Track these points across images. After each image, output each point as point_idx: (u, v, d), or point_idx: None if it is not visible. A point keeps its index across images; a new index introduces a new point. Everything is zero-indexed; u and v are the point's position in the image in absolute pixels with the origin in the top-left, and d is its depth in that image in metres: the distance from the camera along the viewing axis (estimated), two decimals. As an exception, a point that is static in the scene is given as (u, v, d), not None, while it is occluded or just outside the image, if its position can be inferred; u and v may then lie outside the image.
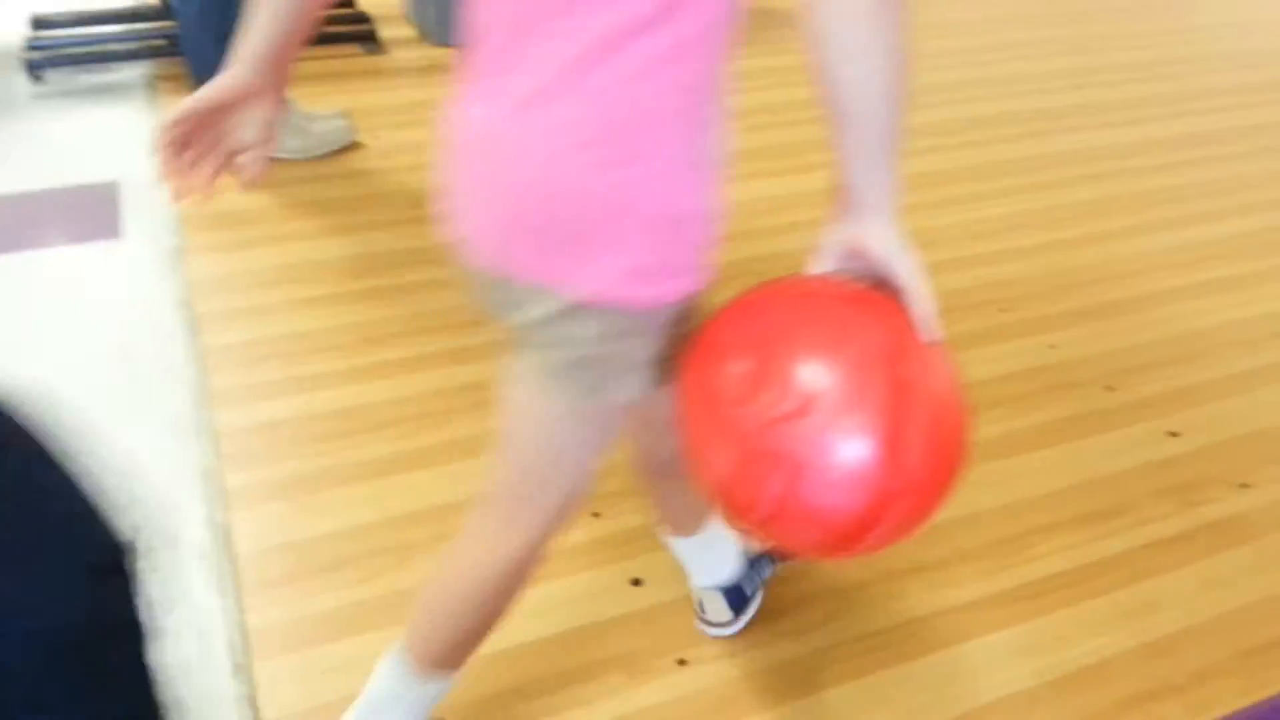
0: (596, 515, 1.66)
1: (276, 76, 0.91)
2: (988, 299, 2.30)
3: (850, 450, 0.76)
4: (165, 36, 3.07)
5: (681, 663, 1.42)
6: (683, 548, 1.38)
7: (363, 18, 3.46)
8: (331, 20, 3.48)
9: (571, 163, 0.80)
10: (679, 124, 0.82)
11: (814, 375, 0.77)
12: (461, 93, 0.88)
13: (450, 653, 1.10)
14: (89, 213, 2.41)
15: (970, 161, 2.96)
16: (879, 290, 0.83)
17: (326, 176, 2.63)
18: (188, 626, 1.42)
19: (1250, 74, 3.88)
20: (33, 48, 3.03)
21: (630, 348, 0.90)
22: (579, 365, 0.90)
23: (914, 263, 0.82)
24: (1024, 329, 2.22)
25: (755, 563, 1.45)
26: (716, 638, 1.47)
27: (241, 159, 0.92)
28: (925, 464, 0.78)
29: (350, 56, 3.37)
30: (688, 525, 1.33)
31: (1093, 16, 4.44)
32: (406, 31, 3.59)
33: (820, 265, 0.86)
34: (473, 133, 0.87)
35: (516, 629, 1.44)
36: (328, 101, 2.92)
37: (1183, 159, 3.09)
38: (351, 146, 2.77)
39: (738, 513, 0.84)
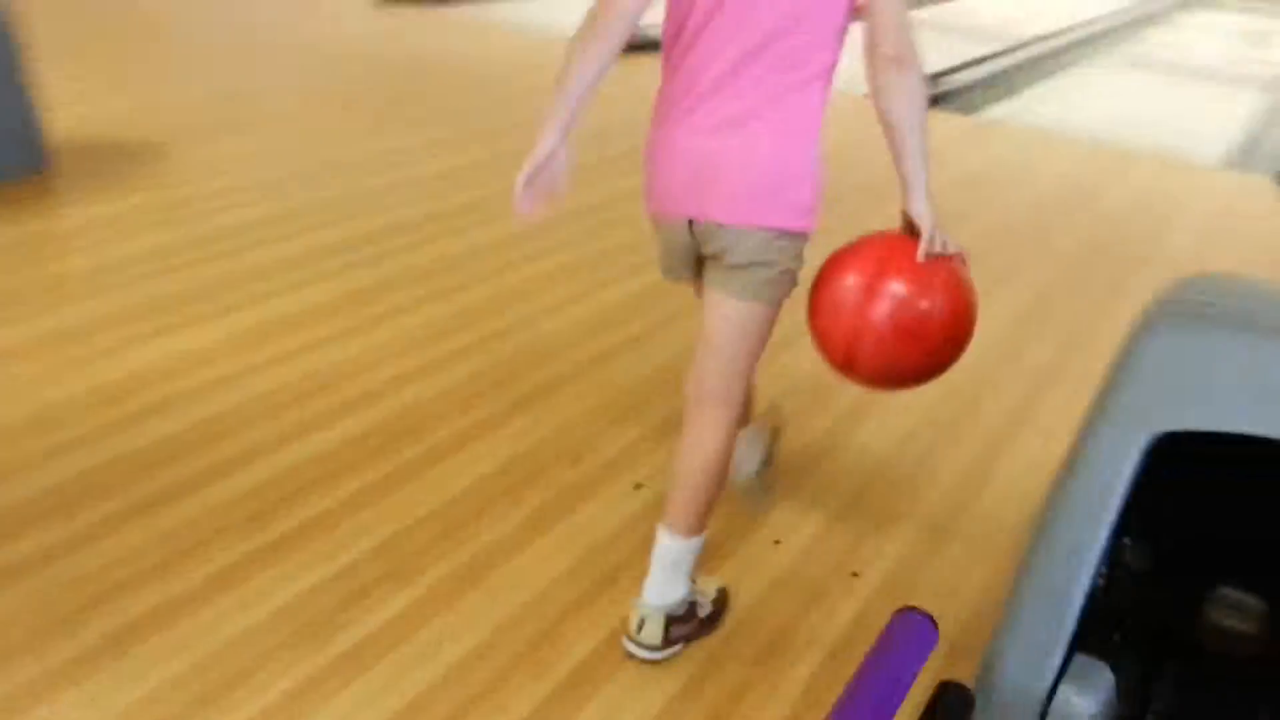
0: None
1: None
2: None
3: (866, 303, 1.45)
4: None
5: None
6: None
7: None
8: None
9: (778, 162, 1.48)
10: (815, 131, 1.49)
11: (859, 275, 1.47)
12: (667, 124, 1.53)
13: (703, 518, 1.63)
14: None
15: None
16: (911, 236, 1.47)
17: None
18: None
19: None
20: None
21: (794, 262, 1.53)
22: (772, 277, 1.52)
23: (930, 217, 1.45)
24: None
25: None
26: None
27: (553, 190, 1.52)
28: (941, 311, 1.47)
29: None
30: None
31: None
32: None
33: (901, 222, 1.49)
34: (691, 147, 1.49)
35: None
36: None
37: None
38: None
39: (829, 337, 1.51)
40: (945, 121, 5.23)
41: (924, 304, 1.46)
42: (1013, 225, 3.89)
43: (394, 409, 2.28)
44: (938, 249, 1.44)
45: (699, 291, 1.63)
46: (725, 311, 1.54)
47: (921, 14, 9.66)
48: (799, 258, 1.53)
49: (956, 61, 6.97)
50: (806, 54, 1.45)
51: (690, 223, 1.52)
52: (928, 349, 1.48)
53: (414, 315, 2.72)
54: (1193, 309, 1.09)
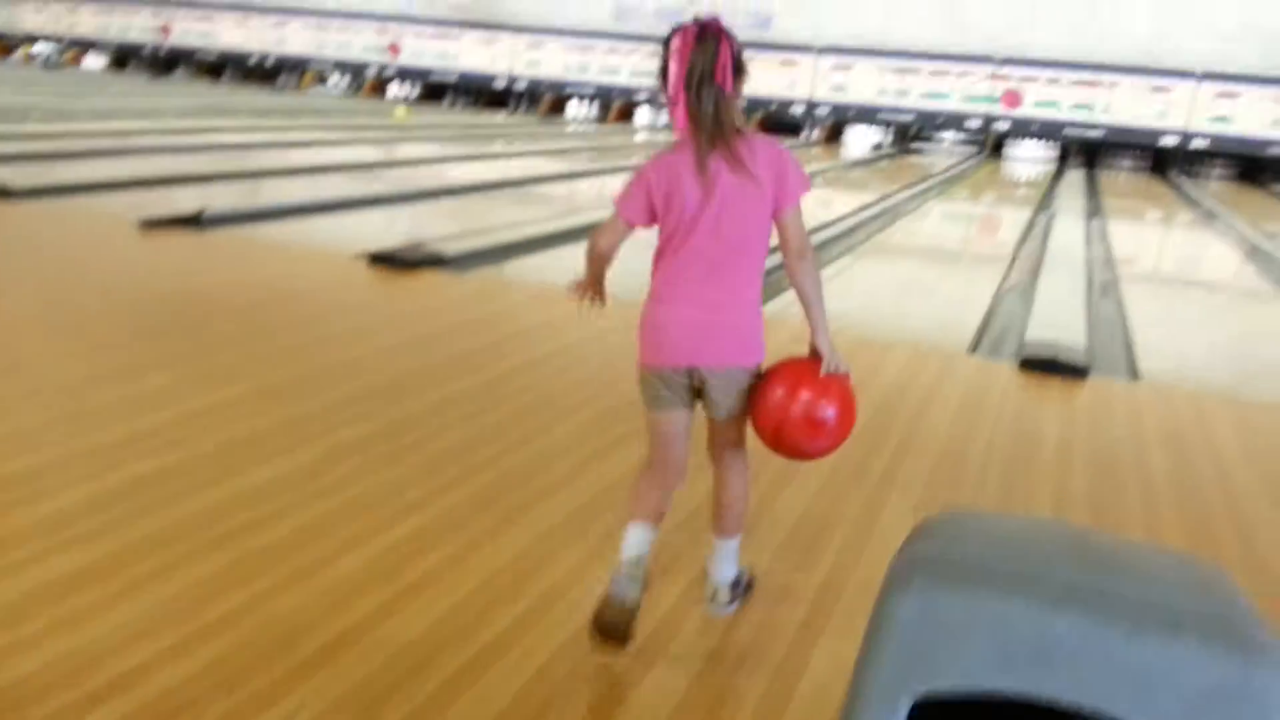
0: None
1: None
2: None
3: (787, 406, 2.23)
4: None
5: None
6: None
7: None
8: None
9: (745, 325, 2.28)
10: (760, 296, 2.30)
11: (783, 387, 2.25)
12: (668, 302, 2.28)
13: (741, 523, 2.49)
14: None
15: None
16: (816, 360, 2.25)
17: None
18: None
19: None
20: None
21: (754, 378, 2.30)
22: (746, 391, 2.30)
23: (829, 349, 2.25)
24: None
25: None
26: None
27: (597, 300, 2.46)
28: (834, 414, 2.24)
29: None
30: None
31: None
32: None
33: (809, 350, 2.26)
34: (690, 318, 2.25)
35: None
36: None
37: None
38: None
39: (763, 427, 2.27)
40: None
41: (824, 404, 2.26)
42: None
43: (145, 698, 2.05)
44: (833, 369, 2.27)
45: (669, 418, 2.36)
46: (725, 420, 2.37)
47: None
48: (757, 374, 2.33)
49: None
50: (754, 254, 2.30)
51: (689, 369, 2.29)
52: (827, 435, 2.29)
53: (170, 582, 2.49)
54: (940, 564, 1.13)
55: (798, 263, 2.27)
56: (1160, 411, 4.51)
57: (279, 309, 5.06)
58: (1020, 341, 5.60)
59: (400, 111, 20.14)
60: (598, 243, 2.35)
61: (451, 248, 6.69)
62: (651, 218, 2.28)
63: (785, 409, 2.23)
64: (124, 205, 7.38)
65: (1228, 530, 3.32)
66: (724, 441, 2.42)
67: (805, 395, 2.23)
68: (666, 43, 2.26)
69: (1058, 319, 6.25)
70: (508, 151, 16.13)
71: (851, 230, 9.92)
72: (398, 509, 2.96)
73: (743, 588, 2.56)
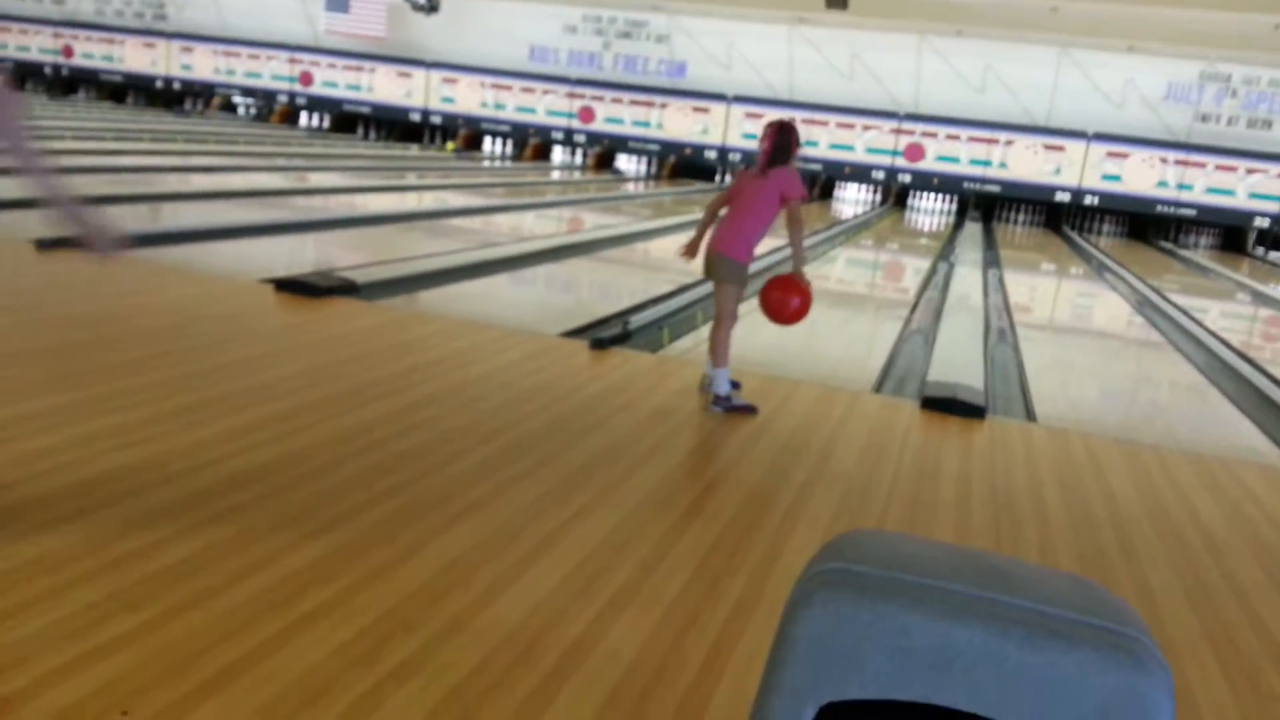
0: None
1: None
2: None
3: (782, 297, 4.65)
4: None
5: None
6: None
7: None
8: None
9: (740, 242, 4.67)
10: (757, 236, 4.70)
11: (781, 288, 4.68)
12: (724, 231, 4.71)
13: (724, 359, 4.66)
14: None
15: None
16: (796, 276, 4.67)
17: None
18: None
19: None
20: None
21: (741, 270, 4.71)
22: (741, 278, 4.72)
23: (802, 270, 4.67)
24: None
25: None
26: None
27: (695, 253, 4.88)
28: (798, 303, 4.63)
29: None
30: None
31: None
32: None
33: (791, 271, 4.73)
34: (731, 235, 4.66)
35: None
36: None
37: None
38: None
39: (771, 307, 4.69)
40: (633, 359, 5.52)
41: (797, 298, 4.59)
42: (698, 454, 4.10)
43: (37, 716, 1.96)
44: (805, 280, 4.59)
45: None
46: (719, 290, 4.69)
47: (611, 253, 10.40)
48: (743, 269, 4.69)
49: (641, 299, 7.47)
50: (757, 219, 4.65)
51: (720, 253, 4.64)
52: (802, 312, 4.61)
53: (57, 607, 2.39)
54: (845, 578, 1.15)
55: (793, 227, 4.64)
56: (1055, 451, 4.67)
57: (182, 333, 4.91)
58: (922, 382, 5.75)
59: (451, 145, 22.98)
60: (711, 206, 4.80)
61: (362, 276, 6.60)
62: (728, 200, 4.73)
63: (777, 297, 4.60)
64: (19, 225, 7.10)
65: (1119, 562, 3.45)
66: (718, 308, 4.67)
67: (792, 292, 4.59)
68: (768, 126, 4.67)
69: (957, 362, 6.44)
70: (421, 184, 16.02)
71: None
72: (294, 537, 2.88)
73: (726, 402, 4.59)
